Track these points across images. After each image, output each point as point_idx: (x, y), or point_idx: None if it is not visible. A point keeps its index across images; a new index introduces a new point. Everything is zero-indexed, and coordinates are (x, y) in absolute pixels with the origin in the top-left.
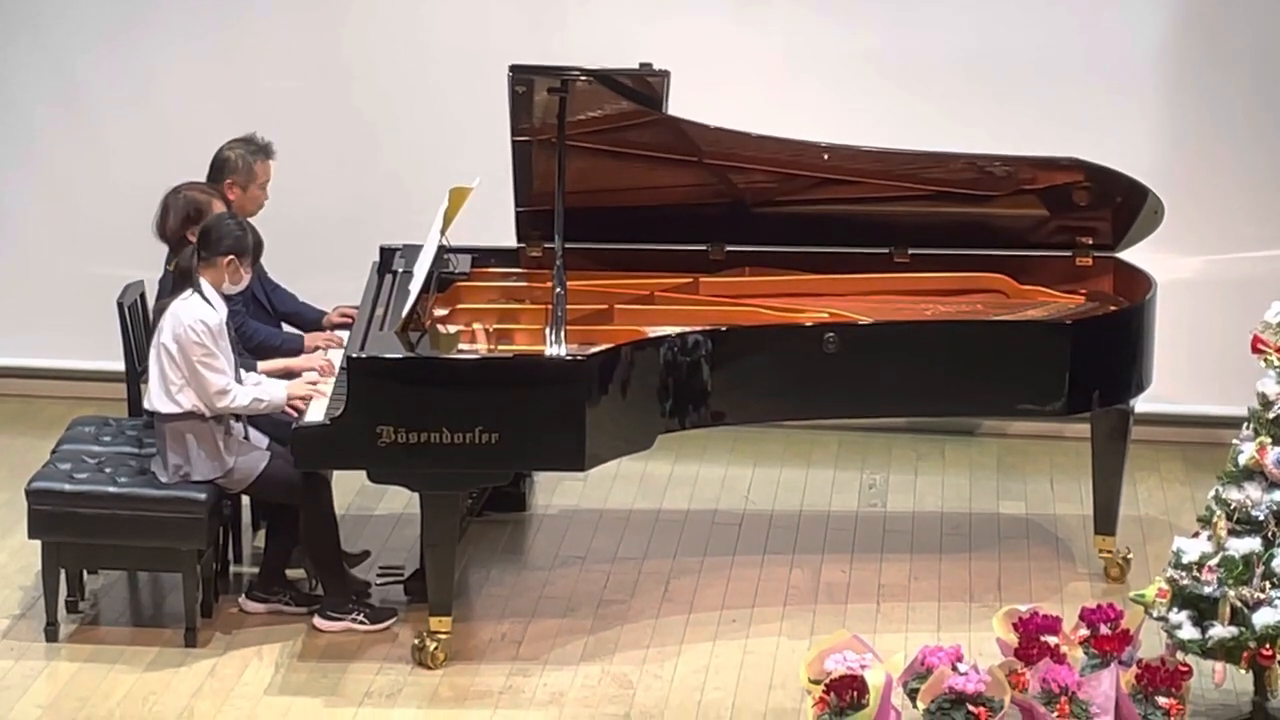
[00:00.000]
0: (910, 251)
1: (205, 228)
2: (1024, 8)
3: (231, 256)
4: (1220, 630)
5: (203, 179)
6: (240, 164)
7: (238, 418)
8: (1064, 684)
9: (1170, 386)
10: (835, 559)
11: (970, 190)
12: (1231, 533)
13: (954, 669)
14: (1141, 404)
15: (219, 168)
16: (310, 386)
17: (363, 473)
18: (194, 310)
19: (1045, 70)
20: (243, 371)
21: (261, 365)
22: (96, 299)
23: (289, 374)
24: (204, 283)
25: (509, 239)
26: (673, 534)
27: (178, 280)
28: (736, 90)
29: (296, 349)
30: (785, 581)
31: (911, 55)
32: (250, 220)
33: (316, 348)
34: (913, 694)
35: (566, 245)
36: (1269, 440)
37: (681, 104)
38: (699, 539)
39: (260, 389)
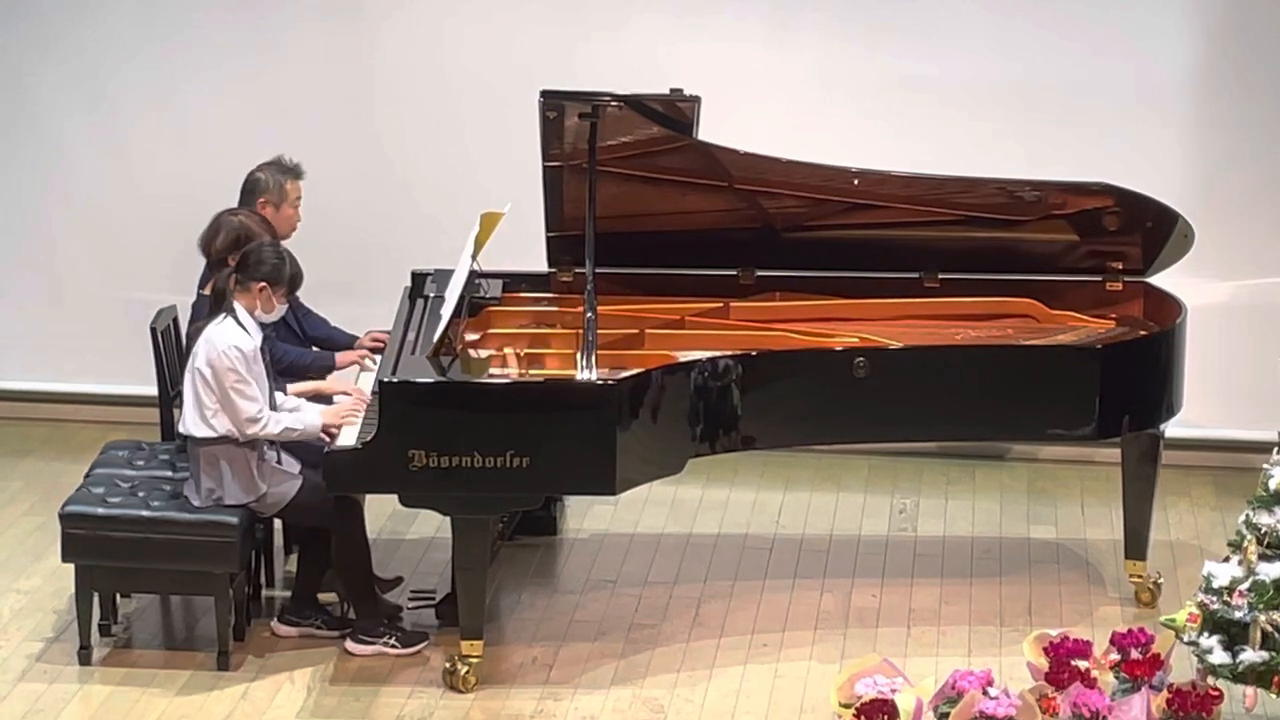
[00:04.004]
0: (940, 276)
1: (246, 252)
2: (1053, 34)
3: (265, 284)
4: (1251, 655)
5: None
6: (271, 183)
7: (271, 443)
8: (1095, 709)
9: (1201, 411)
10: (866, 583)
11: (1000, 215)
12: (1262, 557)
13: (985, 693)
14: (1172, 429)
15: (250, 189)
16: (344, 414)
17: (394, 497)
18: (228, 335)
19: (1075, 95)
20: (279, 395)
21: (291, 388)
22: (130, 323)
23: (319, 396)
24: (239, 307)
25: (540, 264)
26: (703, 558)
27: (214, 303)
28: (766, 115)
29: (328, 366)
30: (816, 606)
31: (941, 80)
32: (286, 242)
33: (351, 363)
34: (943, 718)
35: (597, 270)
36: None
37: (711, 129)
38: (729, 563)
39: (294, 418)
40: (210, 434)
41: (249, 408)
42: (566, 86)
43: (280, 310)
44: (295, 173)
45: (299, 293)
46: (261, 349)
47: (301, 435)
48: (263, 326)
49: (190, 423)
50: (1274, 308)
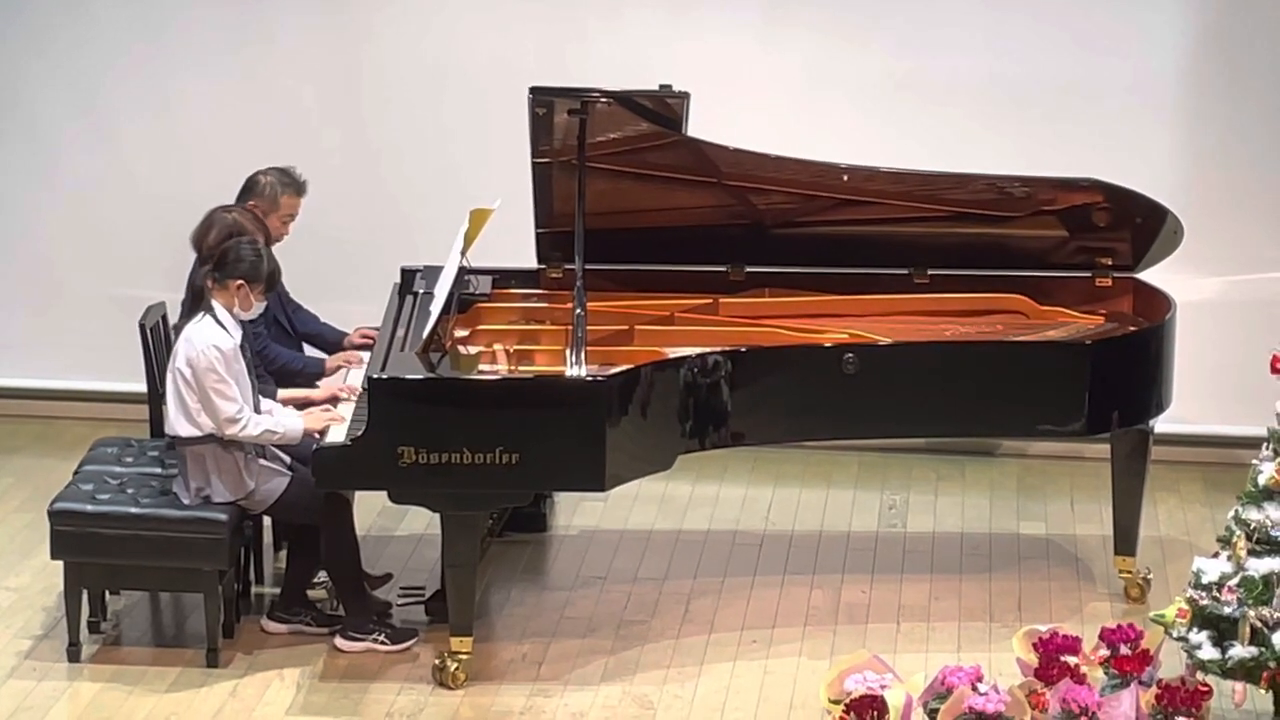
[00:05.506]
0: (930, 272)
1: (223, 249)
2: (1043, 29)
3: (242, 282)
4: (1240, 650)
5: (229, 202)
6: (268, 190)
7: None
8: (1084, 704)
9: (1190, 407)
10: (855, 579)
11: (990, 211)
12: (1251, 553)
13: (974, 689)
14: (1161, 424)
15: (248, 189)
16: (326, 418)
17: (384, 493)
18: (207, 335)
19: (1064, 92)
20: (262, 400)
21: (282, 394)
22: (119, 320)
23: (308, 404)
24: (217, 305)
25: (529, 260)
26: (693, 554)
27: (192, 301)
28: (756, 112)
29: (318, 371)
30: (805, 602)
31: (931, 77)
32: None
33: (339, 367)
34: (933, 714)
35: (586, 266)
36: None
37: (701, 125)
38: (719, 559)
39: (275, 420)
40: (196, 433)
41: (228, 408)
42: (557, 83)
43: (259, 308)
44: (297, 188)
45: (289, 288)
46: (242, 347)
47: (282, 439)
48: (252, 324)
49: (175, 422)
50: (1263, 303)
